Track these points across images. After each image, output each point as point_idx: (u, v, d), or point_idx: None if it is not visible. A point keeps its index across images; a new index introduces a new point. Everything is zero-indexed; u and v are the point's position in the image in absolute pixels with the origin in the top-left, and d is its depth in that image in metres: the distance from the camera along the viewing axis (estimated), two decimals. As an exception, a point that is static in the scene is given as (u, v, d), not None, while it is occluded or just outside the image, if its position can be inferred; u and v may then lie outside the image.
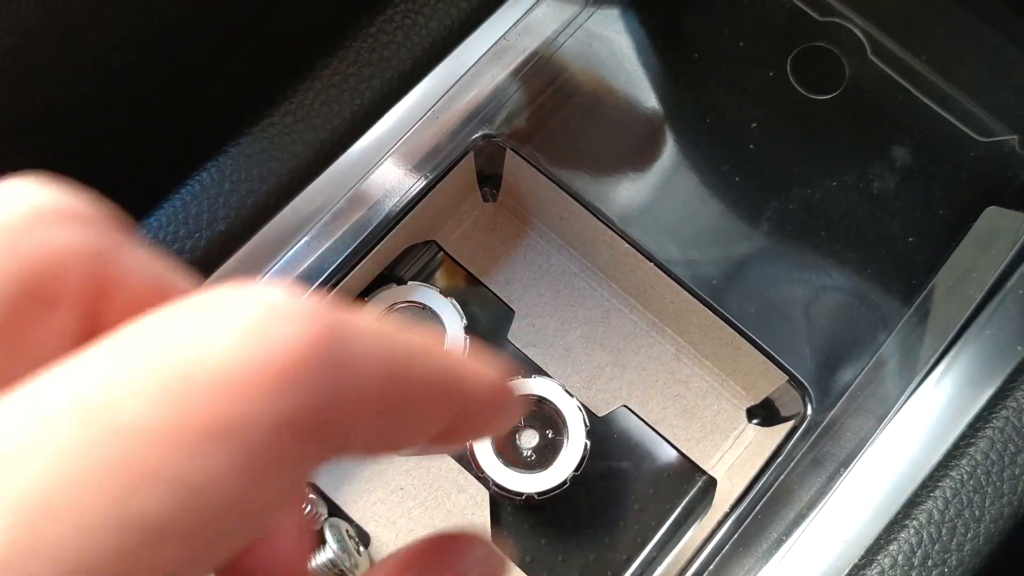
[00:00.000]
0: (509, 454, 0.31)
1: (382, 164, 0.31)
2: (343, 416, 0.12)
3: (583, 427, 0.30)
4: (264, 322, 0.11)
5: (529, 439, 0.31)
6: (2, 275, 0.12)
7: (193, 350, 0.11)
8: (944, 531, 0.27)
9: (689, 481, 0.32)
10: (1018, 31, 0.32)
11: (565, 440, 0.31)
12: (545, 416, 0.31)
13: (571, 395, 0.31)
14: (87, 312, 0.13)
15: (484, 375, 0.16)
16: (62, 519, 0.10)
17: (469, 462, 0.30)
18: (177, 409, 0.11)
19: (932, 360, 0.29)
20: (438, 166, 0.31)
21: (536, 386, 0.31)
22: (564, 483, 0.30)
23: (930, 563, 0.27)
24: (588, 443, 0.30)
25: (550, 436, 0.31)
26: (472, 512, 0.31)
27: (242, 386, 0.11)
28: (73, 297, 0.13)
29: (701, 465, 0.32)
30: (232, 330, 0.11)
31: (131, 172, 0.33)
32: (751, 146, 0.32)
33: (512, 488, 0.30)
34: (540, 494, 0.30)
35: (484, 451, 0.30)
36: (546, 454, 0.31)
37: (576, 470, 0.30)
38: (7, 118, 0.29)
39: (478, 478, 0.30)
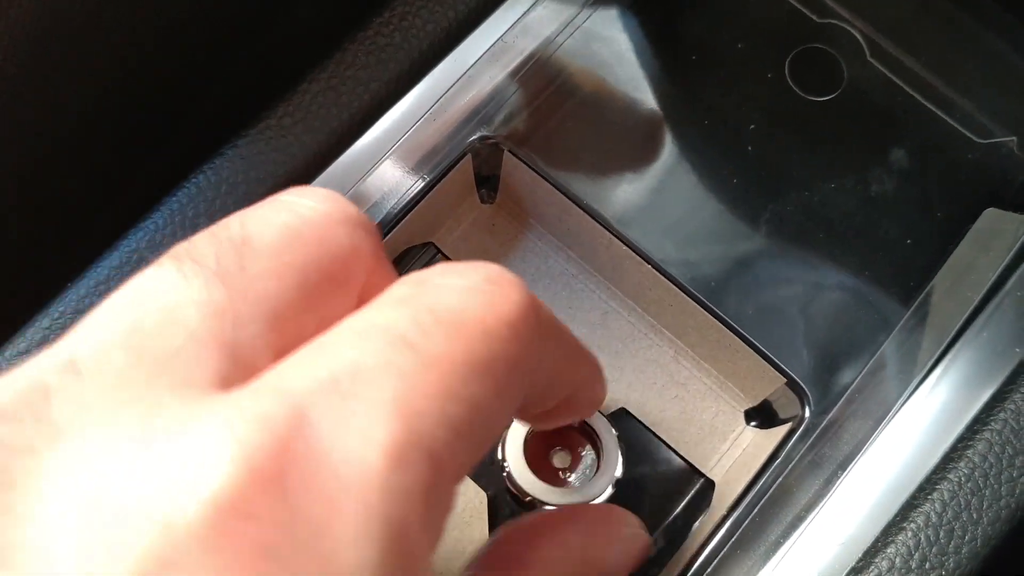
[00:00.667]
0: (543, 472, 0.30)
1: (380, 166, 0.31)
2: (537, 362, 0.16)
3: (617, 441, 0.30)
4: (495, 289, 0.15)
5: (562, 458, 0.31)
6: (322, 260, 0.16)
7: (460, 311, 0.15)
8: (942, 534, 0.27)
9: (688, 483, 0.32)
10: (1016, 33, 0.32)
11: (600, 456, 0.30)
12: (578, 436, 0.31)
13: (613, 430, 0.30)
14: (360, 295, 0.17)
15: (593, 354, 0.21)
16: (421, 420, 0.13)
17: (512, 491, 0.30)
18: (458, 346, 0.14)
19: (930, 363, 0.29)
20: (436, 168, 0.31)
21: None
22: (611, 492, 0.29)
23: (927, 566, 0.27)
24: (623, 461, 0.30)
25: (583, 454, 0.31)
26: (471, 516, 0.31)
27: (492, 333, 0.15)
28: (356, 282, 0.16)
29: (700, 467, 0.32)
30: (478, 293, 0.15)
31: (129, 174, 0.33)
32: (749, 148, 0.32)
33: (525, 488, 0.29)
34: (542, 503, 0.30)
35: (523, 474, 0.30)
36: (582, 473, 0.30)
37: (614, 485, 0.29)
38: (4, 122, 0.29)
39: (521, 504, 0.30)
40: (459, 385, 0.14)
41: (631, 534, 0.25)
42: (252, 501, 0.11)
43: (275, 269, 0.15)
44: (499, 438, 0.16)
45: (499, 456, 0.30)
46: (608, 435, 0.30)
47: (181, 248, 0.15)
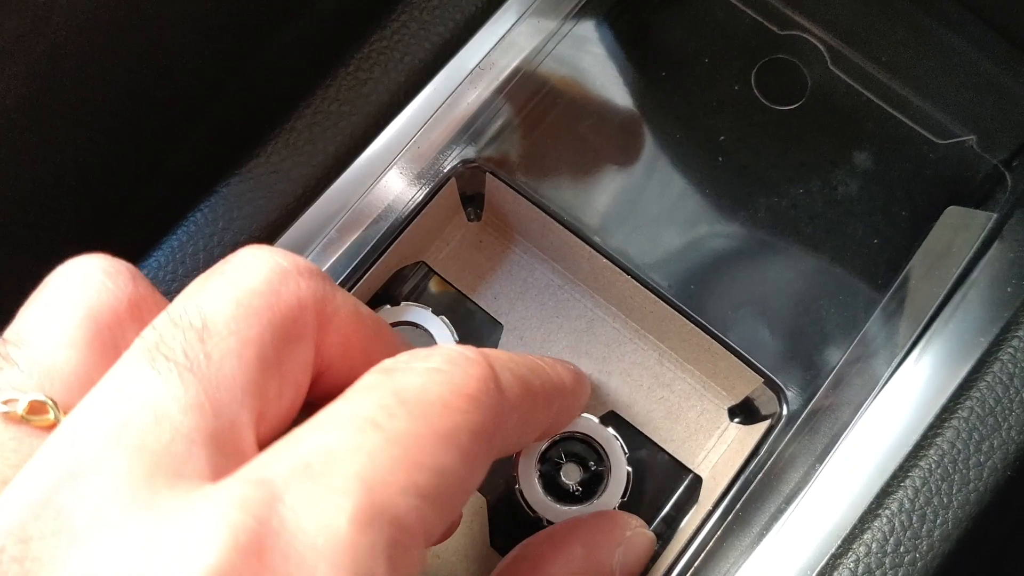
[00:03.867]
0: (556, 490, 0.32)
1: (369, 193, 0.32)
2: (503, 423, 0.18)
3: (623, 454, 0.32)
4: (454, 368, 0.17)
5: (572, 474, 0.32)
6: (272, 323, 0.17)
7: (422, 391, 0.16)
8: (915, 519, 0.29)
9: (676, 480, 0.33)
10: (973, 31, 0.34)
11: (608, 469, 0.32)
12: (585, 449, 0.32)
13: (606, 425, 0.32)
14: (316, 343, 0.18)
15: (567, 374, 0.23)
16: (384, 490, 0.15)
17: (520, 502, 0.32)
18: (424, 422, 0.16)
19: (900, 355, 0.31)
20: (423, 191, 0.33)
21: (595, 430, 0.32)
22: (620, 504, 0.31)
23: (902, 549, 0.28)
24: (631, 470, 0.31)
25: (592, 468, 0.32)
26: (471, 518, 0.33)
27: (452, 407, 0.17)
28: (310, 334, 0.18)
29: (687, 464, 0.34)
30: (437, 373, 0.17)
31: (126, 213, 0.34)
32: (720, 158, 0.33)
33: (535, 507, 0.31)
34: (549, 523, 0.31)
35: (531, 490, 0.31)
36: (592, 485, 0.32)
37: (623, 496, 0.31)
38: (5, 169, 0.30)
39: (530, 518, 0.31)
40: (423, 456, 0.16)
41: (633, 534, 0.27)
42: (239, 570, 0.13)
43: (236, 348, 0.16)
44: (471, 494, 0.18)
45: (512, 474, 0.32)
46: (615, 451, 0.32)
47: (150, 340, 0.16)
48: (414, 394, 0.16)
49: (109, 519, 0.14)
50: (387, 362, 0.17)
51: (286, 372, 0.17)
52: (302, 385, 0.18)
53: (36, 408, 0.17)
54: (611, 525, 0.28)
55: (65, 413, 0.17)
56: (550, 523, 0.31)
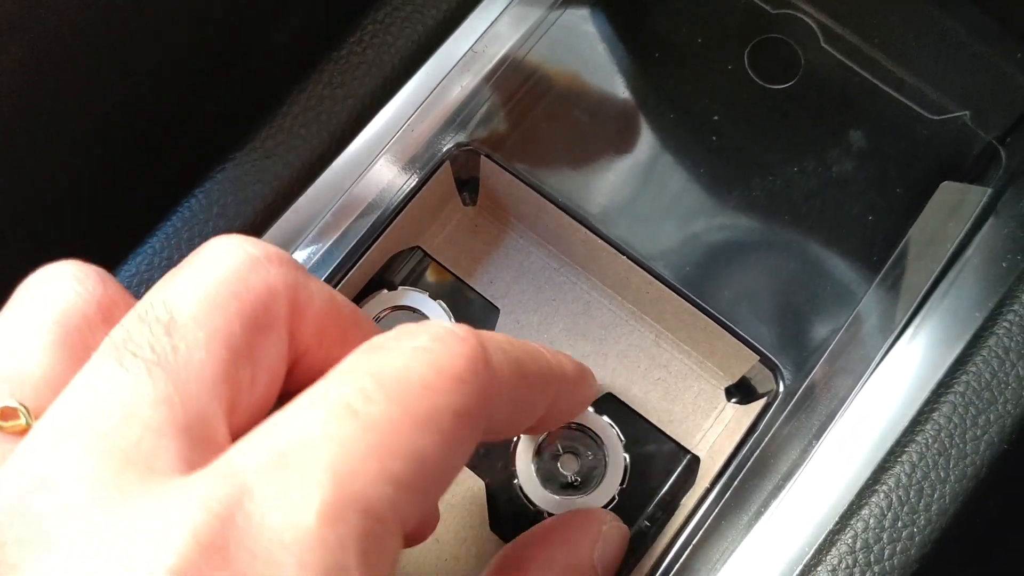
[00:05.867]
0: (555, 482, 0.32)
1: (363, 178, 0.32)
2: (492, 405, 0.18)
3: (619, 442, 0.32)
4: (438, 346, 0.17)
5: (570, 464, 0.33)
6: (241, 313, 0.17)
7: (401, 372, 0.16)
8: (912, 493, 0.29)
9: (674, 460, 0.33)
10: (965, 10, 0.34)
11: (605, 459, 0.32)
12: (582, 439, 0.32)
13: (601, 413, 0.32)
14: (290, 331, 0.18)
15: (570, 364, 0.22)
16: (354, 480, 0.15)
17: (521, 497, 0.32)
18: (402, 406, 0.16)
19: (896, 331, 0.31)
20: (417, 176, 0.33)
21: (592, 420, 0.32)
22: (613, 499, 0.31)
23: (900, 524, 0.28)
24: (627, 456, 0.31)
25: (590, 457, 0.32)
26: (470, 502, 0.33)
27: (433, 389, 0.16)
28: (282, 322, 0.18)
29: (685, 444, 0.34)
30: (420, 355, 0.16)
31: (121, 201, 0.34)
32: (714, 138, 0.33)
33: (533, 499, 0.31)
34: (550, 515, 0.31)
35: (530, 483, 0.32)
36: (591, 475, 0.32)
37: (621, 484, 0.31)
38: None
39: (529, 511, 0.31)
40: (399, 442, 0.15)
41: (608, 529, 0.27)
42: (201, 569, 0.13)
43: (204, 340, 0.16)
44: (453, 478, 0.18)
45: (512, 468, 0.32)
46: (611, 440, 0.32)
47: (117, 337, 0.16)
48: (394, 375, 0.16)
49: (80, 523, 0.14)
50: (374, 339, 0.17)
51: (259, 361, 0.17)
52: (277, 373, 0.18)
53: (7, 414, 0.17)
54: (588, 523, 0.28)
55: (36, 417, 0.16)
56: (551, 515, 0.31)
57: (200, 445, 0.15)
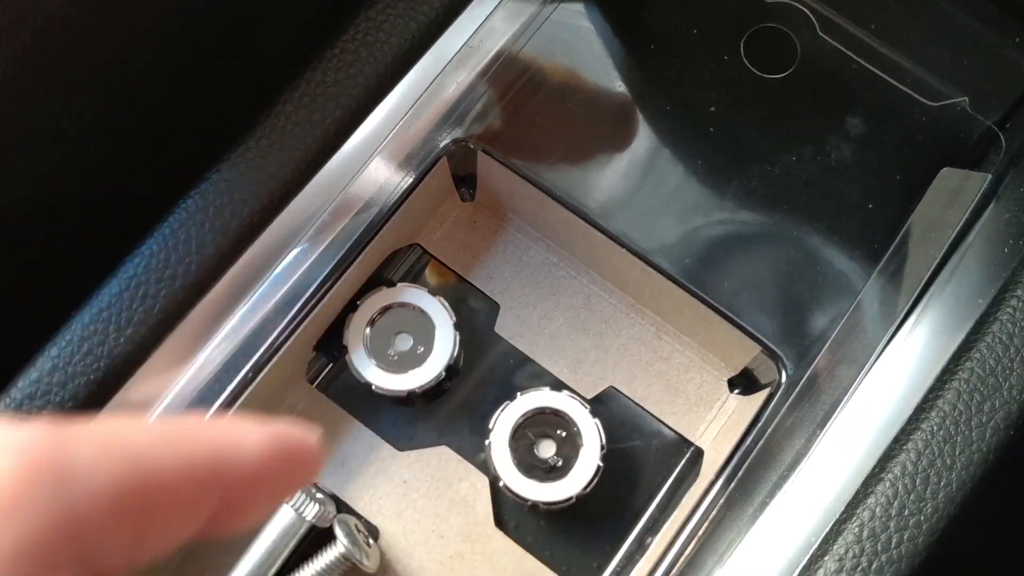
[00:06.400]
0: (526, 462, 0.32)
1: (360, 175, 0.32)
2: (85, 529, 0.12)
3: (599, 446, 0.31)
4: None
5: (546, 450, 0.32)
6: None
7: None
8: (918, 481, 0.28)
9: (677, 453, 0.33)
10: (962, -6, 0.33)
11: (577, 457, 0.32)
12: (563, 430, 0.32)
13: (593, 415, 0.32)
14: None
15: (252, 442, 0.15)
16: None
17: (484, 461, 0.32)
18: None
19: (899, 319, 0.31)
20: (414, 172, 0.33)
21: (555, 400, 0.32)
22: (570, 499, 0.31)
23: (906, 512, 0.28)
24: (601, 464, 0.31)
25: (566, 451, 0.32)
26: (474, 499, 0.33)
27: None
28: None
29: (688, 437, 0.33)
30: None
31: (116, 204, 0.34)
32: (712, 128, 0.33)
33: (520, 493, 0.31)
34: (545, 504, 0.31)
35: (502, 456, 0.31)
36: (559, 468, 0.32)
37: (585, 488, 0.31)
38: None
39: (527, 505, 0.31)
40: None
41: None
42: None
43: None
44: None
45: (493, 471, 0.32)
46: (579, 410, 0.32)
47: None
48: None
49: None
50: None
51: None
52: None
53: None
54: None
55: None
56: (547, 505, 0.31)
57: None
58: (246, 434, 0.15)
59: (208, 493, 0.15)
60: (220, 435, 0.15)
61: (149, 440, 0.14)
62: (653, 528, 0.32)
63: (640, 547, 0.32)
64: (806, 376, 0.30)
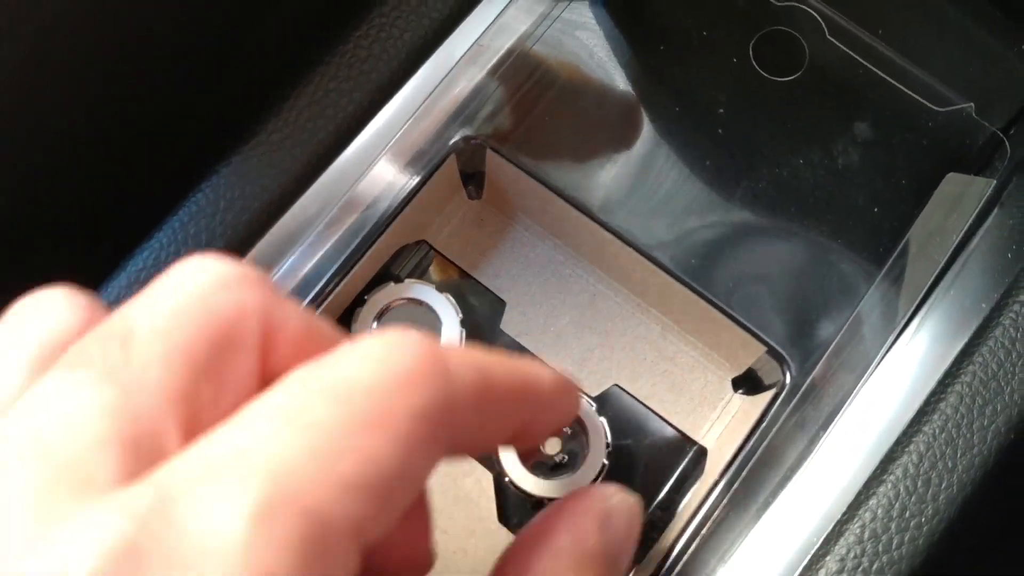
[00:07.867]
0: (542, 466, 0.32)
1: (369, 172, 0.32)
2: (453, 412, 0.17)
3: (604, 444, 0.32)
4: (390, 350, 0.16)
5: (552, 446, 0.32)
6: (207, 329, 0.16)
7: (350, 376, 0.16)
8: (920, 483, 0.29)
9: (681, 452, 0.34)
10: (969, 1, 0.34)
11: (583, 454, 0.32)
12: (568, 427, 0.32)
13: (599, 414, 0.32)
14: (261, 353, 0.17)
15: (548, 376, 0.21)
16: (291, 480, 0.14)
17: (489, 457, 0.32)
18: (349, 409, 0.15)
19: (902, 322, 0.31)
20: (422, 169, 0.33)
21: None
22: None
23: (908, 514, 0.28)
24: (607, 462, 0.31)
25: (571, 448, 0.32)
26: (478, 494, 0.33)
27: (384, 390, 0.15)
28: (252, 342, 0.17)
29: (692, 436, 0.34)
30: (371, 359, 0.16)
31: (126, 197, 0.34)
32: (720, 130, 0.33)
33: (525, 489, 0.31)
34: (550, 500, 0.31)
35: (507, 452, 0.32)
36: (565, 464, 0.32)
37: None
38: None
39: (531, 501, 0.32)
40: (345, 442, 0.15)
41: (613, 505, 0.24)
42: None
43: (161, 355, 0.16)
44: (417, 488, 0.17)
45: (499, 467, 0.32)
46: (584, 407, 0.32)
47: (73, 352, 0.16)
48: (340, 379, 0.16)
49: (9, 536, 0.14)
50: (323, 356, 0.17)
51: (224, 379, 0.17)
52: (244, 392, 0.17)
53: None
54: (589, 502, 0.25)
55: None
56: (550, 501, 0.31)
57: (147, 457, 0.15)
58: (545, 372, 0.20)
59: (520, 409, 0.20)
60: (530, 367, 0.20)
61: (490, 360, 0.18)
62: (658, 525, 0.32)
63: (643, 545, 0.32)
64: (810, 377, 0.31)
